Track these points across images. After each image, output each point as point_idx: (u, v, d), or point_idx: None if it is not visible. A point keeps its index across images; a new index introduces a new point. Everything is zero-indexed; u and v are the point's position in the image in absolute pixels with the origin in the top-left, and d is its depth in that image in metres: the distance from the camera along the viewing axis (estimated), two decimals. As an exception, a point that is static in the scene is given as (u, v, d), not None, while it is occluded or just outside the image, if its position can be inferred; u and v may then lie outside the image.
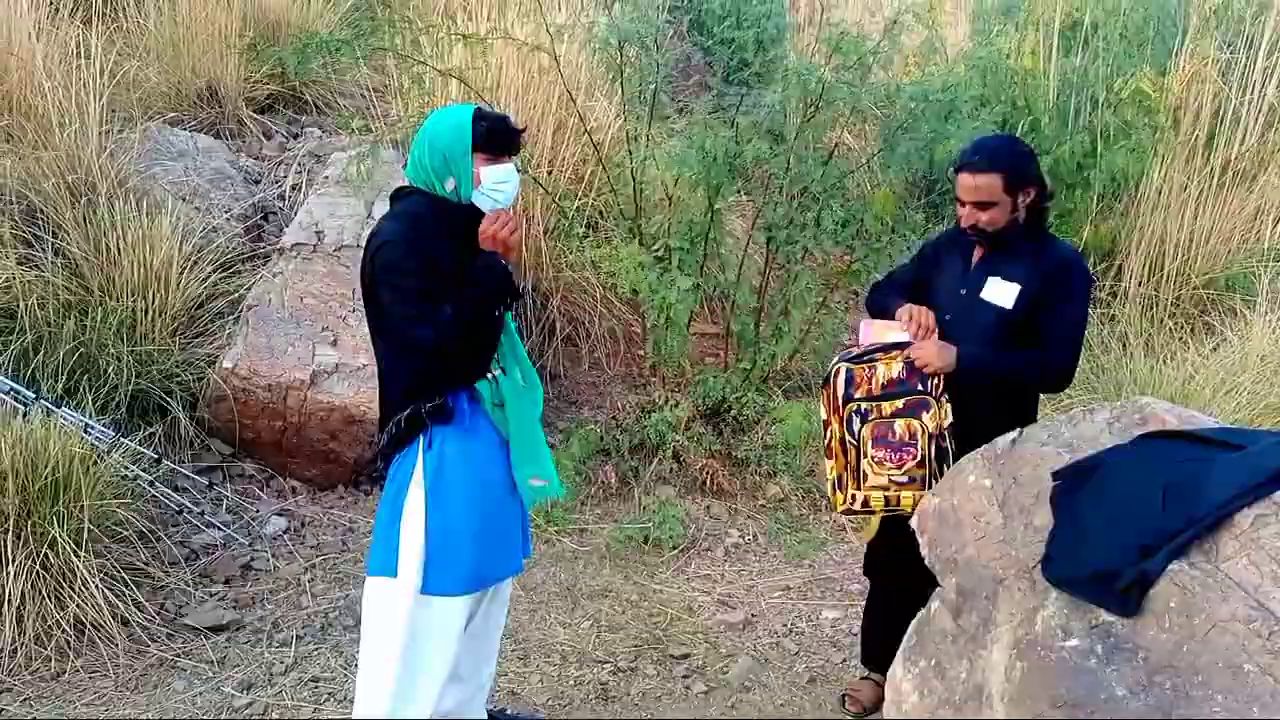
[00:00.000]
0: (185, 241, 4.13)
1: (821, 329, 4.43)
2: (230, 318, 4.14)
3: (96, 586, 3.02)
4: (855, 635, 3.38)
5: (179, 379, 3.90)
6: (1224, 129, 5.30)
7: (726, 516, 4.11)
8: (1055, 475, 2.18)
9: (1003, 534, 2.18)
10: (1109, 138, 5.00)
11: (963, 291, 2.57)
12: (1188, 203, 5.09)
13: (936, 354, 2.47)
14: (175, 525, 3.55)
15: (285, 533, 3.72)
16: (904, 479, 2.46)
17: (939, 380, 2.48)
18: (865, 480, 2.47)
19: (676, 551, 3.85)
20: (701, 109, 4.55)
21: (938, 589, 2.28)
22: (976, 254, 2.60)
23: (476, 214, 2.26)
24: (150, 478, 3.51)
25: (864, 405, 2.45)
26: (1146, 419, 2.26)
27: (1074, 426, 2.33)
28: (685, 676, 3.12)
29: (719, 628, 3.40)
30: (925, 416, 2.45)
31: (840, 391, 2.48)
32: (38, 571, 2.99)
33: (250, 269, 4.40)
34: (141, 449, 3.56)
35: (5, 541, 2.96)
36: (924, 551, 2.35)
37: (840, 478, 2.51)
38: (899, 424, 2.45)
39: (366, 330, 2.37)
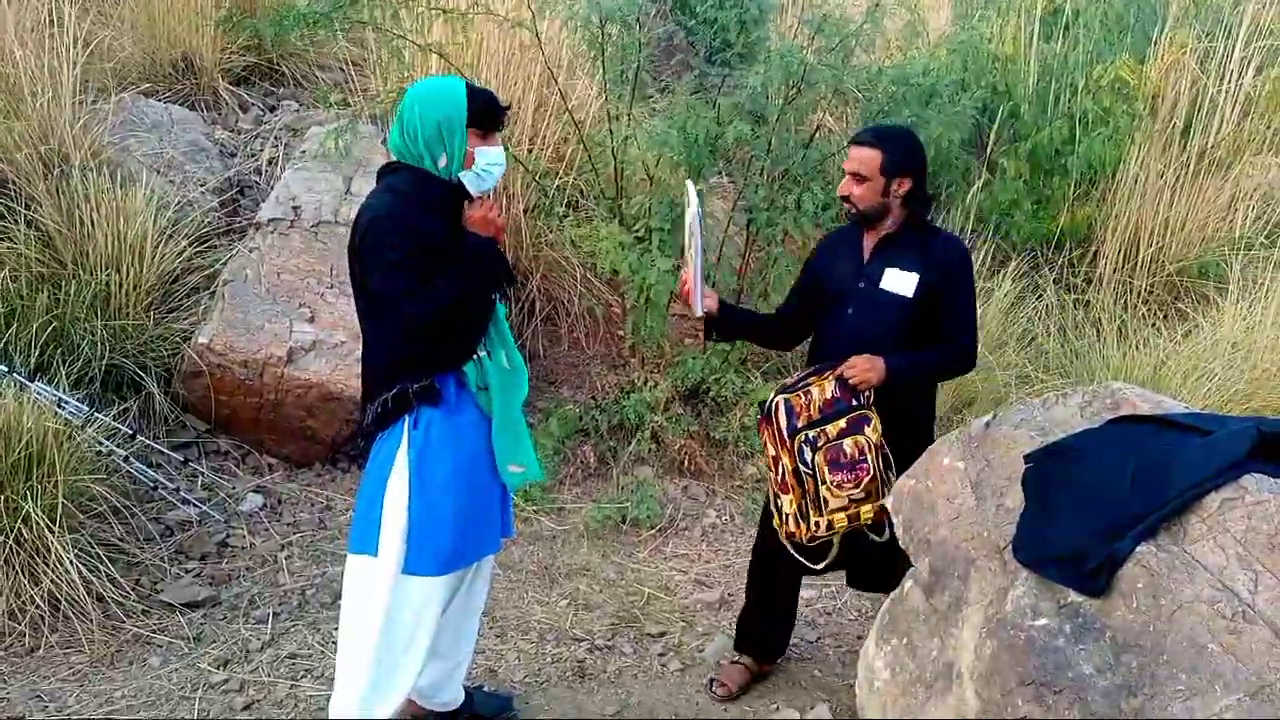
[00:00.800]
0: (160, 215, 4.08)
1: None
2: (206, 293, 4.11)
3: (71, 562, 3.01)
4: (829, 615, 3.43)
5: (154, 354, 3.88)
6: (1201, 117, 5.35)
7: (704, 497, 4.14)
8: (1027, 458, 2.21)
9: (975, 515, 2.21)
10: (1088, 124, 5.04)
11: (862, 284, 2.64)
12: (1164, 190, 5.15)
13: (869, 368, 2.53)
14: (150, 501, 3.53)
15: (261, 510, 3.71)
16: (862, 495, 2.52)
17: (869, 392, 2.56)
18: (827, 506, 2.51)
19: (654, 531, 3.89)
20: (683, 89, 4.54)
21: (911, 569, 2.32)
22: (868, 247, 2.67)
23: (462, 192, 2.26)
24: (125, 454, 3.49)
25: (811, 433, 2.48)
26: (1118, 404, 2.30)
27: (1047, 410, 2.37)
28: (661, 654, 3.15)
29: (695, 606, 3.44)
30: (867, 430, 2.52)
31: (784, 424, 2.51)
32: (11, 547, 2.97)
33: (226, 244, 4.36)
34: (116, 424, 3.53)
35: (-23, 516, 2.94)
36: (899, 532, 2.38)
37: (801, 509, 2.53)
38: (847, 444, 2.50)
39: (345, 307, 2.37)
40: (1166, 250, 5.11)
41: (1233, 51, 5.39)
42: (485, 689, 2.81)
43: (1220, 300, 4.74)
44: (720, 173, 4.89)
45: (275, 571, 3.41)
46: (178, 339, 3.94)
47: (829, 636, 3.25)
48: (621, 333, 4.68)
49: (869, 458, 2.50)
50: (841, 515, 2.52)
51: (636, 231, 4.19)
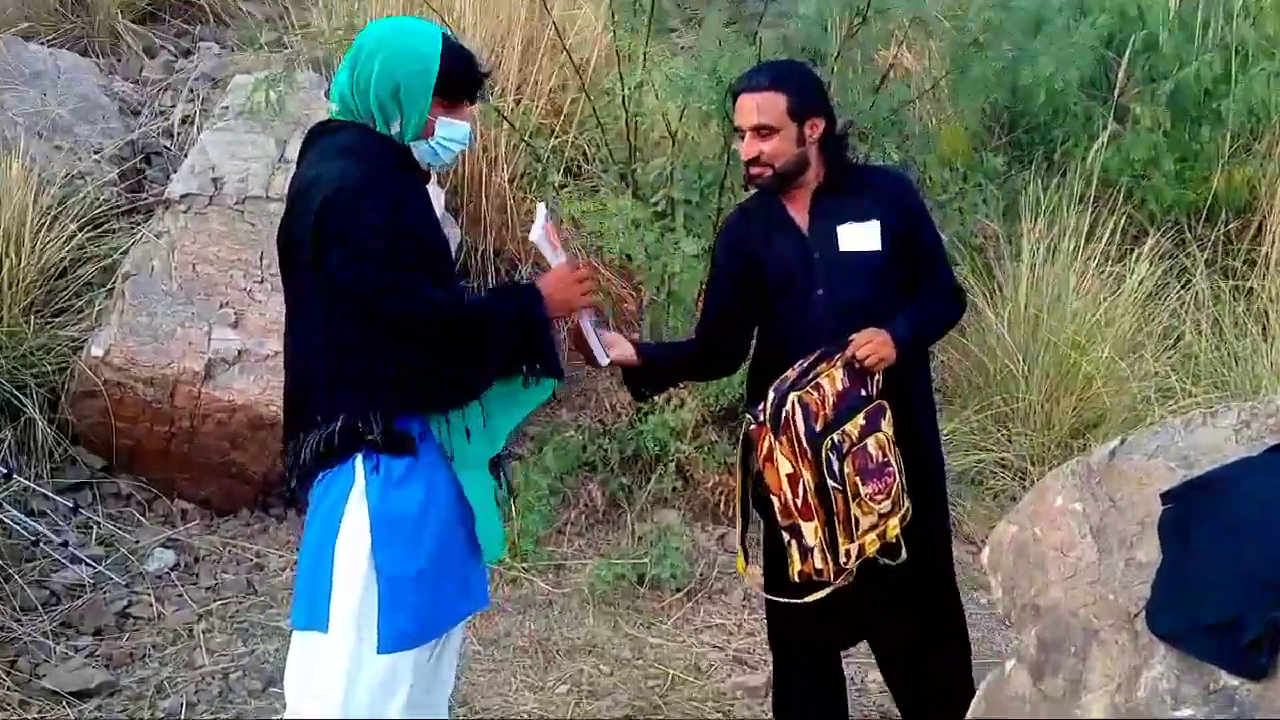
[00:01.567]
0: (42, 191, 4.13)
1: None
2: (101, 290, 4.14)
3: (-73, 639, 3.04)
4: (885, 690, 3.41)
5: (35, 370, 3.91)
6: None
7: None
8: (1165, 497, 2.19)
9: (1097, 572, 2.19)
10: (1247, 57, 5.00)
11: (816, 256, 2.68)
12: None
13: (883, 341, 2.56)
14: (30, 560, 3.56)
15: (173, 570, 3.73)
16: (890, 506, 2.53)
17: (879, 376, 2.59)
18: (858, 527, 2.50)
19: (681, 595, 3.87)
20: (715, 20, 4.55)
21: (1012, 645, 2.30)
22: (799, 212, 2.71)
23: (410, 164, 2.28)
24: (-3, 498, 3.53)
25: (835, 437, 2.48)
26: (1286, 424, 2.27)
27: (1191, 433, 2.34)
28: (691, 756, 3.15)
29: (735, 693, 3.42)
30: (884, 424, 2.54)
31: (803, 430, 2.49)
32: None
33: (127, 227, 4.40)
34: (-14, 461, 3.57)
35: None
36: (997, 594, 2.37)
37: (826, 537, 2.51)
38: (870, 444, 2.51)
39: (279, 307, 2.37)
40: (1355, 222, 5.07)
41: None
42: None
43: None
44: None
45: (190, 649, 3.42)
46: (65, 350, 3.97)
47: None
48: (636, 336, 4.68)
49: (891, 457, 2.53)
50: (872, 536, 2.53)
51: (655, 205, 4.20)
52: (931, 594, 2.77)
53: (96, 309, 4.07)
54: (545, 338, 2.29)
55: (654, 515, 4.17)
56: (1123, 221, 4.96)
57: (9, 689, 3.16)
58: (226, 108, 4.73)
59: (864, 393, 2.55)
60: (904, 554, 2.57)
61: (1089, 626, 2.15)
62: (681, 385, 4.41)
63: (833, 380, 2.53)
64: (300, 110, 4.60)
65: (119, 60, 5.36)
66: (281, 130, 4.54)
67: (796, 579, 2.58)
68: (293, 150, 4.49)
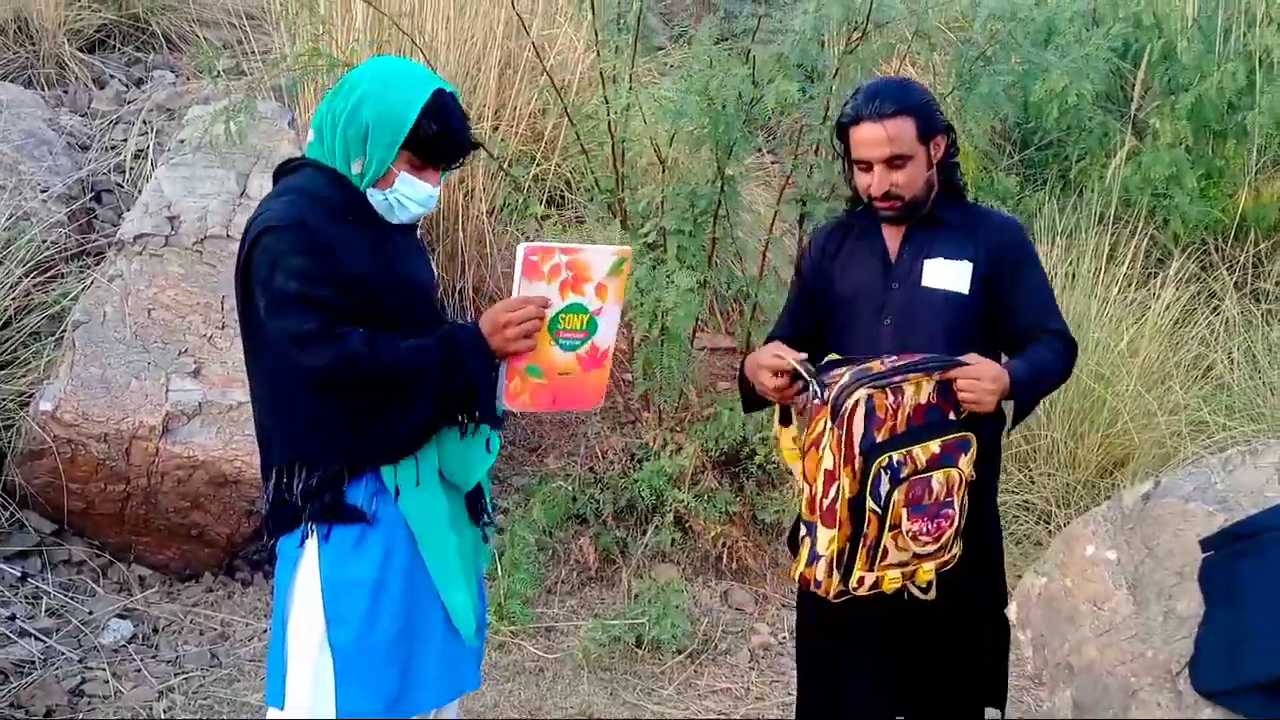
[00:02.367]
0: (-15, 234, 4.13)
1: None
2: (49, 340, 4.13)
3: None
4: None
5: (-22, 428, 3.90)
6: None
7: (752, 606, 4.11)
8: (1205, 544, 2.19)
9: (1134, 627, 2.18)
10: (1271, 66, 5.04)
11: (895, 285, 2.64)
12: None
13: (988, 391, 2.42)
14: (-25, 635, 3.53)
15: (130, 642, 3.69)
16: (934, 549, 2.44)
17: (966, 409, 2.48)
18: (883, 558, 2.43)
19: (683, 657, 3.85)
20: (705, 37, 4.57)
21: (1045, 706, 2.28)
22: (891, 239, 2.68)
23: (367, 207, 2.28)
24: (-61, 568, 3.50)
25: (896, 456, 2.40)
26: (1331, 461, 2.27)
27: (1229, 473, 2.34)
28: (697, 834, 3.12)
29: (743, 763, 3.41)
30: (962, 460, 2.43)
31: (859, 432, 2.41)
32: None
33: (77, 270, 4.39)
34: (-74, 528, 3.55)
35: None
36: (1027, 652, 2.36)
37: (843, 554, 2.44)
38: (936, 479, 2.39)
39: (240, 353, 2.38)
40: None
41: None
42: None
43: None
44: (760, 149, 4.91)
45: (150, 729, 3.39)
46: (11, 406, 3.95)
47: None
48: (629, 376, 4.68)
49: (955, 500, 2.42)
50: (897, 573, 2.44)
51: (645, 236, 4.20)
52: (980, 661, 2.70)
53: (44, 361, 4.06)
54: (480, 383, 2.24)
55: (651, 571, 4.15)
56: (1145, 243, 4.99)
57: (-47, 778, 3.12)
58: (183, 141, 4.73)
59: (951, 417, 2.44)
60: (933, 592, 2.46)
61: (1127, 685, 2.14)
62: (678, 428, 4.42)
63: (918, 390, 2.41)
64: (262, 142, 4.61)
65: (65, 92, 5.37)
66: (242, 164, 4.54)
67: (796, 579, 2.54)
68: (254, 185, 4.51)
